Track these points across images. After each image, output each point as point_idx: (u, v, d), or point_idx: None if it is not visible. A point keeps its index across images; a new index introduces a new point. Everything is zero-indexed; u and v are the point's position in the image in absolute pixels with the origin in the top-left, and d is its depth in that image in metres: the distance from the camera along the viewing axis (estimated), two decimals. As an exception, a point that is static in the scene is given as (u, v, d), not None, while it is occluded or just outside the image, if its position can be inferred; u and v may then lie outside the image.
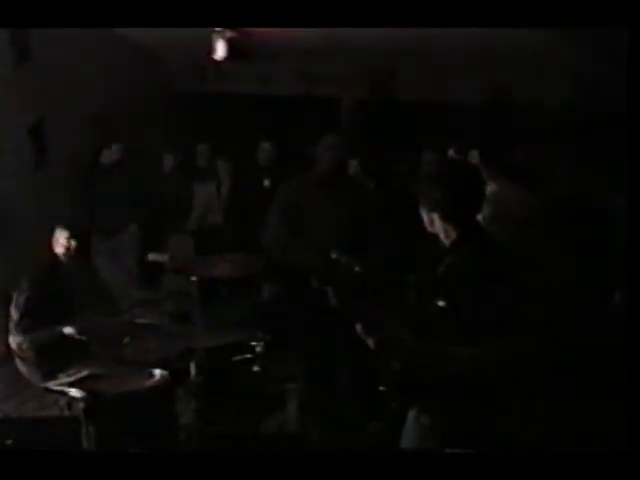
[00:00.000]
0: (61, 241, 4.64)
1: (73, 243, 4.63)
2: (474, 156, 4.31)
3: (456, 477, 2.56)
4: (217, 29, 7.01)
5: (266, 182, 7.38)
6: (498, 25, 3.61)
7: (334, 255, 4.25)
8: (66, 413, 4.18)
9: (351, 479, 2.64)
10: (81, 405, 3.83)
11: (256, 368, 4.63)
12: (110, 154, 6.85)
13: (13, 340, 4.48)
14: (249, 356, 4.63)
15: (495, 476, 2.55)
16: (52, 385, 4.42)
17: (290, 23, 3.64)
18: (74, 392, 3.89)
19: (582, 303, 4.94)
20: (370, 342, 2.66)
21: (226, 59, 7.42)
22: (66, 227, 4.66)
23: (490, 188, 3.84)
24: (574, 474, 2.55)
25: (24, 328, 4.44)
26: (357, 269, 4.09)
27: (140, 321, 4.59)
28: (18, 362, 4.64)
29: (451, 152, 2.77)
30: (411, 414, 2.90)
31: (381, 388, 2.76)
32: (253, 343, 4.65)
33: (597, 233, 5.46)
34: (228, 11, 3.53)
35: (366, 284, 2.72)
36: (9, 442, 3.97)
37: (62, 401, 4.22)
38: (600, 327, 4.79)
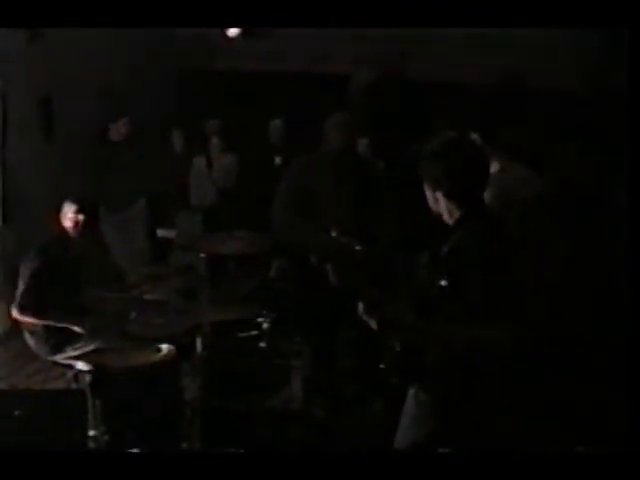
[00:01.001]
0: (69, 215, 4.67)
1: (81, 217, 4.65)
2: (477, 137, 4.30)
3: (455, 474, 2.57)
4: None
5: (277, 160, 7.38)
6: (499, 25, 3.61)
7: (334, 234, 4.26)
8: (73, 386, 4.22)
9: (353, 455, 2.66)
10: (88, 378, 3.85)
11: (262, 344, 4.66)
12: (117, 128, 6.84)
13: (14, 312, 4.54)
14: (255, 332, 4.66)
15: (495, 476, 2.56)
16: (59, 358, 4.46)
17: (296, 23, 3.65)
18: (81, 365, 3.90)
19: (586, 293, 4.92)
20: (372, 323, 2.67)
21: (238, 36, 7.42)
22: (74, 201, 4.69)
23: (494, 168, 3.85)
24: (574, 474, 2.55)
25: (25, 304, 4.49)
26: (358, 248, 4.10)
27: (147, 297, 4.61)
28: (26, 335, 4.69)
29: (452, 132, 2.79)
30: (411, 392, 2.91)
31: (381, 366, 2.78)
32: (259, 319, 4.67)
33: (605, 218, 5.42)
34: (234, 10, 3.54)
35: (367, 263, 2.72)
36: (17, 413, 4.03)
37: (69, 374, 4.26)
38: (605, 318, 4.76)
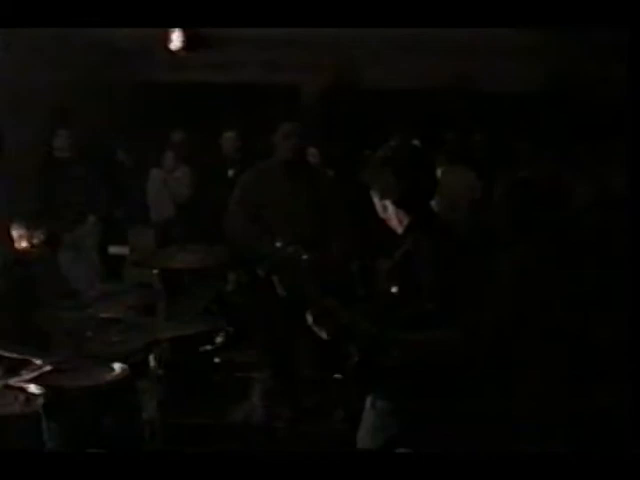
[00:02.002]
0: (22, 236, 4.58)
1: (37, 238, 4.58)
2: (418, 143, 4.35)
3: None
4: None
5: (230, 172, 7.35)
6: (496, 25, 3.63)
7: (278, 244, 4.26)
8: (25, 410, 4.13)
9: (317, 467, 2.64)
10: (40, 401, 3.78)
11: (219, 359, 4.62)
12: (61, 142, 6.75)
13: None
14: (211, 347, 4.62)
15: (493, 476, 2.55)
16: (13, 382, 4.35)
17: (273, 23, 3.63)
18: (33, 388, 3.83)
19: (555, 291, 4.93)
20: (322, 333, 2.66)
21: (182, 49, 7.40)
22: (26, 222, 4.61)
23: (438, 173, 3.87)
24: (574, 474, 2.54)
25: None
26: (305, 257, 4.10)
27: (103, 314, 4.55)
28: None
29: (395, 140, 2.81)
30: (369, 400, 2.91)
31: (336, 376, 2.78)
32: (216, 333, 4.64)
33: (557, 218, 5.46)
34: (206, 11, 3.51)
35: (315, 272, 2.71)
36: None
37: (20, 398, 4.16)
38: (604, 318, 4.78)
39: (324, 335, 2.66)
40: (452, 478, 2.55)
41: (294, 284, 2.57)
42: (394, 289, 2.69)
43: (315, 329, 2.66)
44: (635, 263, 3.13)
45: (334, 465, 2.65)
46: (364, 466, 2.68)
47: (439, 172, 3.83)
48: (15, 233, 4.63)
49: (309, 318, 2.64)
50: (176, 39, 7.27)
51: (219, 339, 4.52)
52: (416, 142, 4.33)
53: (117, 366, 4.00)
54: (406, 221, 2.83)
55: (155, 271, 4.65)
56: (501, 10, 3.46)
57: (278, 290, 2.54)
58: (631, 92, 3.22)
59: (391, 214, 2.85)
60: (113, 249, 6.90)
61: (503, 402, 3.65)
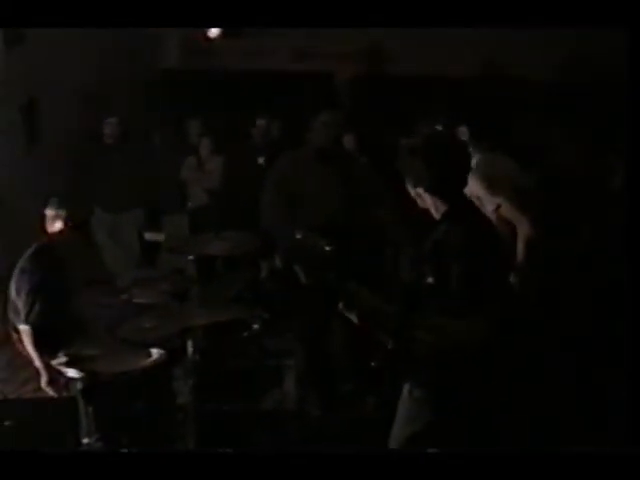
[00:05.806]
0: (54, 219, 4.56)
1: (69, 222, 4.56)
2: (464, 131, 4.31)
3: (452, 472, 2.56)
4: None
5: (261, 159, 7.37)
6: (496, 25, 3.59)
7: (298, 235, 4.25)
8: (64, 394, 4.19)
9: (349, 454, 2.65)
10: (79, 385, 3.82)
11: (253, 345, 4.63)
12: (109, 128, 6.80)
13: (23, 329, 4.41)
14: (246, 333, 4.63)
15: (493, 475, 2.54)
16: (53, 363, 4.38)
17: (290, 23, 3.63)
18: (71, 372, 3.87)
19: (580, 286, 4.90)
20: (352, 317, 2.66)
21: (220, 36, 7.41)
22: (58, 205, 4.58)
23: (480, 160, 3.84)
24: (574, 474, 2.53)
25: (34, 319, 4.38)
26: (327, 248, 4.07)
27: (138, 300, 4.58)
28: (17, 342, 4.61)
29: (430, 128, 2.79)
30: (405, 388, 2.91)
31: (373, 363, 2.78)
32: (251, 320, 4.64)
33: (594, 210, 5.40)
34: (228, 10, 3.51)
35: (340, 262, 2.70)
36: (7, 423, 3.99)
37: (60, 382, 4.22)
38: (606, 314, 4.74)
39: (354, 319, 2.65)
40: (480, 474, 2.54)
41: (315, 274, 2.57)
42: (430, 279, 2.68)
43: (346, 314, 2.66)
44: None
45: (365, 455, 2.65)
46: (393, 459, 2.67)
47: (476, 159, 3.81)
48: (48, 218, 4.59)
49: (340, 304, 2.64)
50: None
51: (255, 326, 4.52)
52: (463, 129, 4.30)
53: (154, 351, 4.03)
54: (442, 209, 2.82)
55: (190, 257, 4.67)
56: (497, 10, 3.44)
57: (300, 279, 2.55)
58: (631, 92, 3.19)
59: (427, 202, 2.84)
60: (148, 235, 6.94)
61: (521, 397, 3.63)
